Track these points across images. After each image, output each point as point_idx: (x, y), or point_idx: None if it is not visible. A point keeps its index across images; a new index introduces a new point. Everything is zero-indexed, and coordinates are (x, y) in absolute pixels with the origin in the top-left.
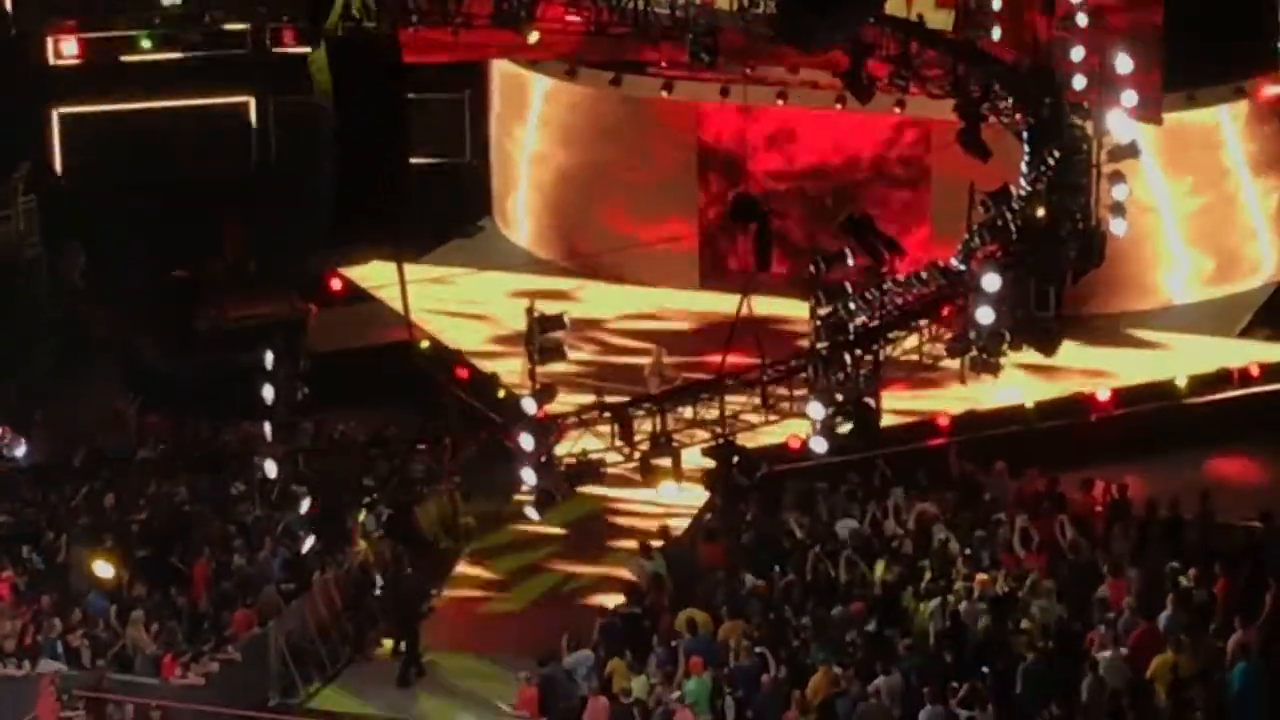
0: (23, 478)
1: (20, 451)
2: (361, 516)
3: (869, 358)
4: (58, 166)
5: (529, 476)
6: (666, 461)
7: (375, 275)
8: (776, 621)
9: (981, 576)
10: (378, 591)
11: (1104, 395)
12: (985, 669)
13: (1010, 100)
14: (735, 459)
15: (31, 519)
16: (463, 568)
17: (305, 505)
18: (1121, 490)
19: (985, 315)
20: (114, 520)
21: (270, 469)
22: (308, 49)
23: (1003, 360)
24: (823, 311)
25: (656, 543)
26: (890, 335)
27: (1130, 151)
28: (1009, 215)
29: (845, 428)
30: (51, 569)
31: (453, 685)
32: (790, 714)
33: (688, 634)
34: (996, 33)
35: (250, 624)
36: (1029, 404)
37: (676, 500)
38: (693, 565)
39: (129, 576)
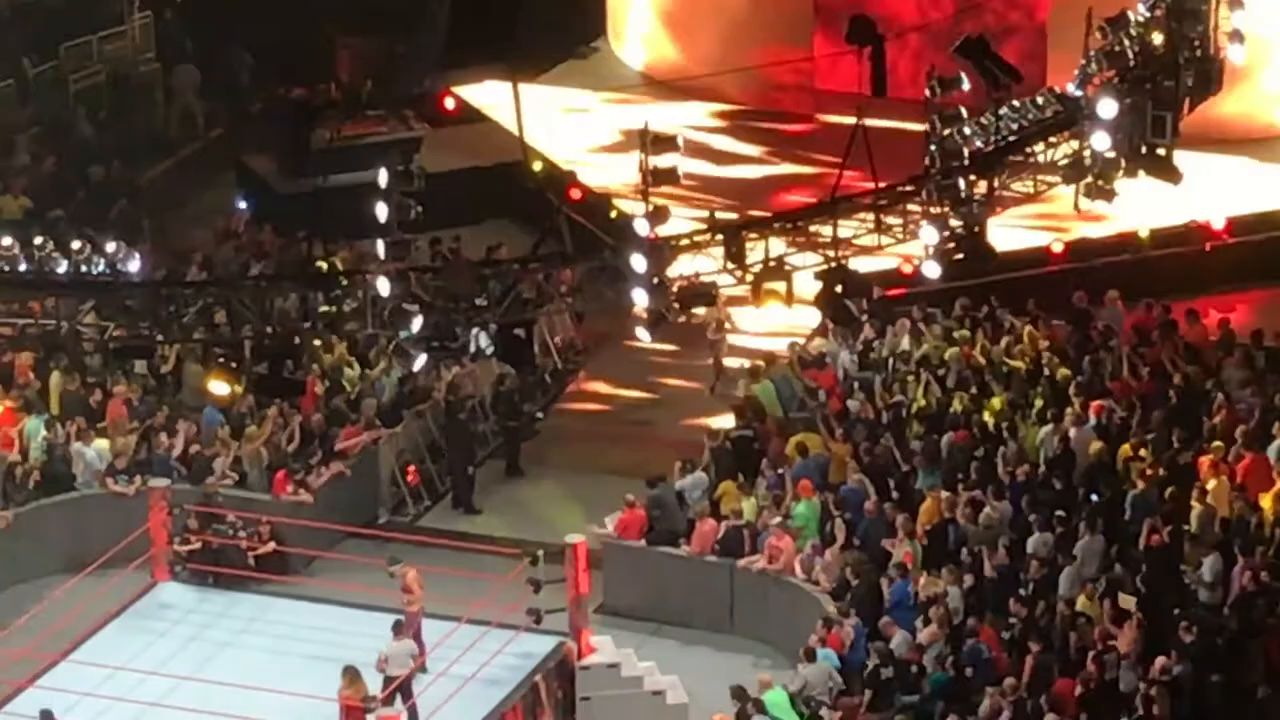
0: (136, 293)
1: (134, 266)
2: (473, 336)
3: (983, 183)
4: None
5: (640, 298)
6: (779, 285)
7: (489, 95)
8: (884, 447)
9: (1095, 404)
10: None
11: (1219, 224)
12: (1095, 496)
13: None
14: (846, 282)
15: (145, 334)
16: (573, 387)
17: (417, 323)
18: (1225, 320)
19: (1101, 141)
20: (227, 336)
21: (383, 286)
22: None
23: (1117, 187)
24: (938, 136)
25: (762, 365)
26: (1005, 161)
27: None
28: (1127, 41)
29: (958, 254)
30: (164, 384)
31: (560, 505)
32: (897, 539)
33: (798, 457)
34: None
35: (360, 441)
36: (1143, 232)
37: (787, 323)
38: (801, 389)
39: (242, 392)
